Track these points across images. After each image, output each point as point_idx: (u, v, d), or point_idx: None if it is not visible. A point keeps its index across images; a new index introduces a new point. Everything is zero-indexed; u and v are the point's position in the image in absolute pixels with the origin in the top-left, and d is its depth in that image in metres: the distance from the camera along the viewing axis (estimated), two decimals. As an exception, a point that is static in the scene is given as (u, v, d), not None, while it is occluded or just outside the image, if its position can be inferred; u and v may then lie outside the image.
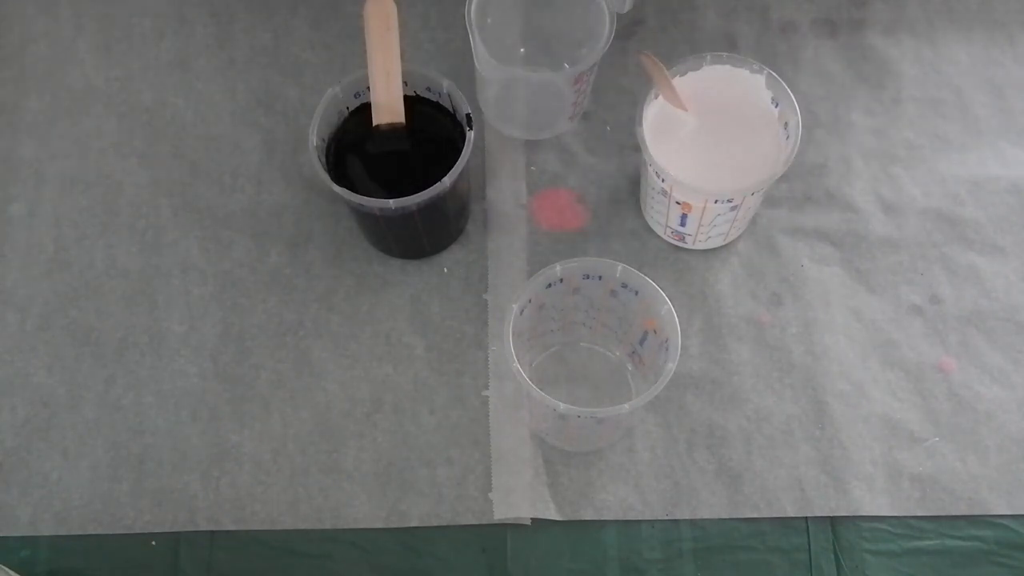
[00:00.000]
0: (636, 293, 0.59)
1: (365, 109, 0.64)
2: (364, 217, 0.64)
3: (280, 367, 0.66)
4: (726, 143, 0.64)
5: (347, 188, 0.61)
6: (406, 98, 0.63)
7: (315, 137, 0.62)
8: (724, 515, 0.62)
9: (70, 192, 0.71)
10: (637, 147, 0.64)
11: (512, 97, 0.71)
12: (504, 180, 0.71)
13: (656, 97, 0.64)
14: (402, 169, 0.63)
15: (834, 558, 0.62)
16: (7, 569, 0.58)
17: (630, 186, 0.71)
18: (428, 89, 0.64)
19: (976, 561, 0.62)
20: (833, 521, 0.62)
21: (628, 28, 0.76)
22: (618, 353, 0.66)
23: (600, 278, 0.60)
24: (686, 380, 0.66)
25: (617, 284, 0.60)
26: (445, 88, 0.63)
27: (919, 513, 0.62)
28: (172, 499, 0.63)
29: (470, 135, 0.62)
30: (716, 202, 0.63)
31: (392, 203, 0.60)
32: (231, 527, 0.62)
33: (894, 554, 0.62)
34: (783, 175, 0.63)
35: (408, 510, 0.62)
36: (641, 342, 0.62)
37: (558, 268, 0.59)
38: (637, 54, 0.62)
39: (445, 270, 0.69)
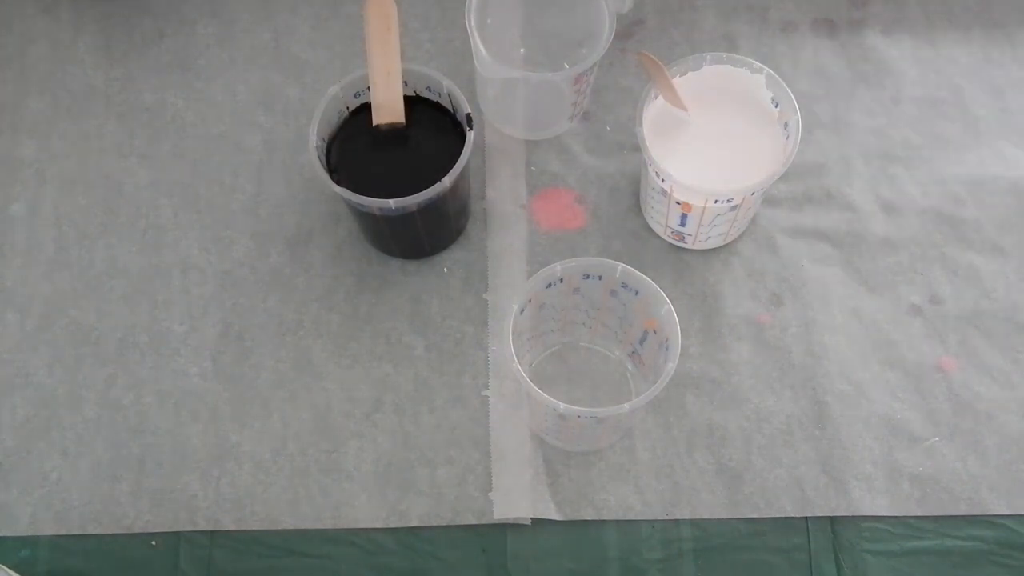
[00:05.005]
0: (636, 293, 0.59)
1: (365, 109, 0.64)
2: (364, 217, 0.64)
3: (280, 367, 0.66)
4: (726, 143, 0.64)
5: (347, 188, 0.61)
6: (406, 98, 0.63)
7: (315, 137, 0.62)
8: (724, 515, 0.62)
9: (70, 192, 0.71)
10: (637, 147, 0.64)
11: (512, 97, 0.71)
12: (504, 180, 0.71)
13: (656, 97, 0.64)
14: (402, 169, 0.63)
15: (834, 558, 0.62)
16: (7, 569, 0.58)
17: (630, 186, 0.71)
18: (428, 89, 0.64)
19: (976, 561, 0.62)
20: (833, 521, 0.62)
21: (628, 28, 0.76)
22: (618, 353, 0.66)
23: (600, 278, 0.60)
24: (686, 380, 0.66)
25: (617, 284, 0.60)
26: (445, 88, 0.63)
27: (919, 513, 0.62)
28: (172, 499, 0.63)
29: (470, 135, 0.62)
30: (716, 202, 0.63)
31: (392, 203, 0.60)
32: (231, 527, 0.62)
33: (894, 554, 0.62)
34: (783, 175, 0.63)
35: (408, 510, 0.62)
36: (641, 342, 0.62)
37: (558, 268, 0.59)
38: (637, 54, 0.62)
39: (445, 270, 0.69)
